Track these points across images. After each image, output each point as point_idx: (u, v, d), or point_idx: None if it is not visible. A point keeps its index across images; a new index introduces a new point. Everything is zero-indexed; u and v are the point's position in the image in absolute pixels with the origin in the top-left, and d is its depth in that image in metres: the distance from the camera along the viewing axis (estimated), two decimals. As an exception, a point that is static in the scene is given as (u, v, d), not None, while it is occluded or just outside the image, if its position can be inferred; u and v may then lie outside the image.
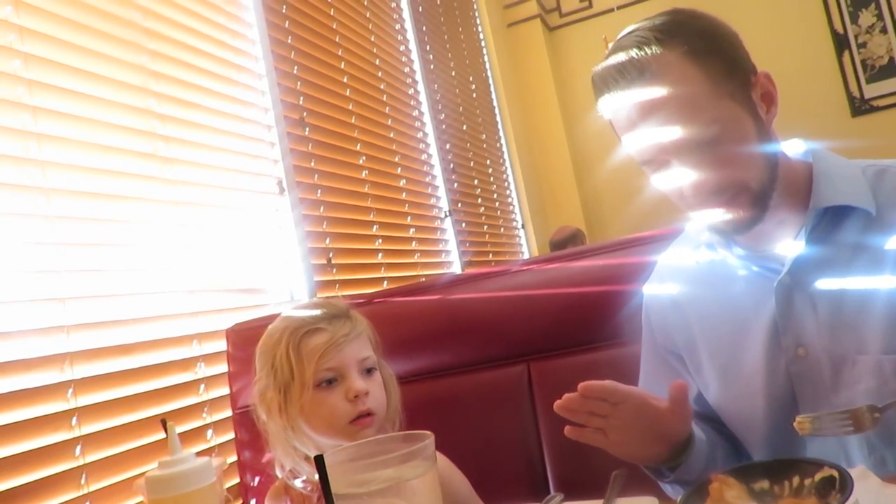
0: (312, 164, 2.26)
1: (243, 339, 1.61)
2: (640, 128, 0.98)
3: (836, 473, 0.79)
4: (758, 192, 0.97)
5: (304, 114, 2.27)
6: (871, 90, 4.31)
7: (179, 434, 0.75)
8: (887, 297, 0.94)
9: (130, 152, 1.55)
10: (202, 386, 1.61)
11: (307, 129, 2.27)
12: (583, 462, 1.36)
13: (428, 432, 0.70)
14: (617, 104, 0.99)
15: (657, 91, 0.95)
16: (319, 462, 0.57)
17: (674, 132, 0.95)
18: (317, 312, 1.20)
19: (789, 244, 1.00)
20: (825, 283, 0.98)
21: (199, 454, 0.84)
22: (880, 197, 0.98)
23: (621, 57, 0.97)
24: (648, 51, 0.95)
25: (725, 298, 1.08)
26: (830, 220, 0.98)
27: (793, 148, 1.07)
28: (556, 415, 1.43)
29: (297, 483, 1.18)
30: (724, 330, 1.08)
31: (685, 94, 0.94)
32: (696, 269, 1.11)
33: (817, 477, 0.81)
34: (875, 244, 0.96)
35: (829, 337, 0.97)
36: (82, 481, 1.27)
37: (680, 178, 0.98)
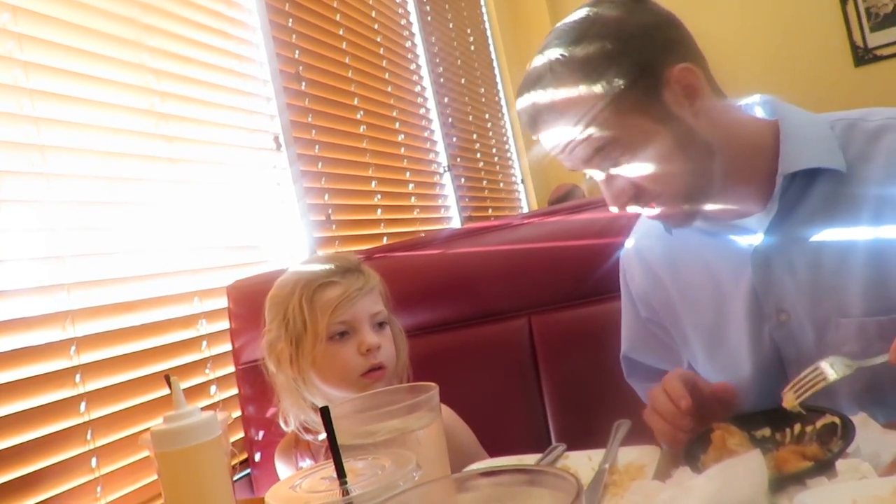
0: (310, 119, 2.23)
1: (244, 295, 1.62)
2: (554, 151, 0.99)
3: (837, 420, 0.80)
4: (686, 192, 0.95)
5: (301, 68, 2.23)
6: (874, 39, 4.23)
7: (183, 390, 0.75)
8: (865, 257, 0.93)
9: (126, 108, 1.53)
10: (204, 342, 1.61)
11: (303, 83, 2.23)
12: (583, 413, 1.38)
13: (432, 384, 0.70)
14: (528, 124, 1.00)
15: (554, 111, 0.94)
16: (325, 414, 0.58)
17: (579, 155, 0.95)
18: (330, 266, 1.20)
19: (760, 210, 0.98)
20: (801, 247, 0.96)
21: (203, 410, 0.85)
22: (850, 152, 0.95)
23: (529, 72, 0.97)
24: (550, 58, 0.94)
25: (703, 270, 1.06)
26: (801, 183, 0.96)
27: (763, 109, 1.04)
28: (557, 367, 1.45)
29: (310, 437, 1.20)
30: (704, 302, 1.07)
31: (580, 119, 0.93)
32: (671, 242, 1.10)
33: (819, 424, 0.82)
34: (848, 202, 0.94)
35: (810, 301, 0.96)
36: (88, 437, 1.28)
37: (601, 188, 0.99)
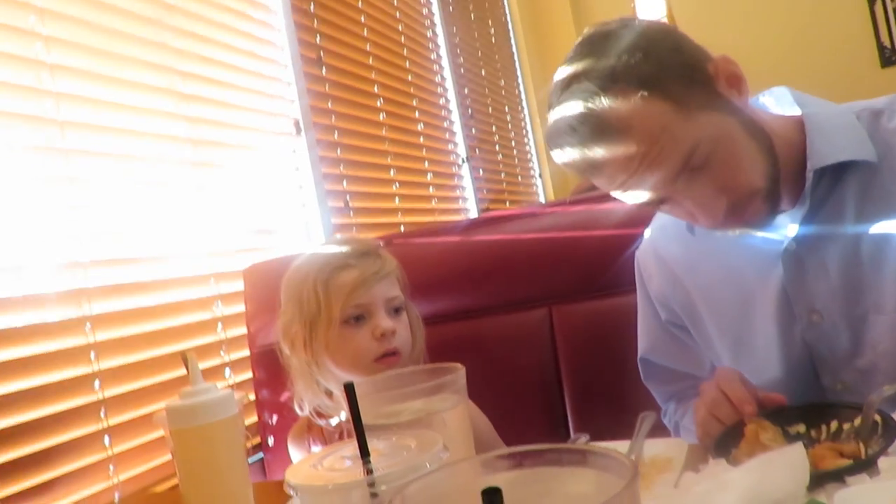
0: (329, 104, 2.21)
1: (260, 279, 1.60)
2: (625, 184, 0.88)
3: (878, 418, 0.77)
4: (769, 187, 0.89)
5: (322, 53, 2.21)
6: (902, 40, 4.16)
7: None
8: None
9: (146, 87, 1.51)
10: (220, 325, 1.60)
11: (324, 68, 2.21)
12: (603, 406, 1.35)
13: (458, 364, 0.68)
14: (587, 169, 0.90)
15: (627, 147, 0.84)
16: (350, 391, 0.55)
17: (663, 177, 0.86)
18: (346, 249, 1.18)
19: (789, 207, 0.94)
20: (834, 244, 0.92)
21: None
22: (880, 142, 0.90)
23: (571, 121, 0.86)
24: (598, 106, 0.84)
25: (727, 271, 1.02)
26: (831, 177, 0.91)
27: (779, 102, 0.99)
28: (577, 359, 1.42)
29: (323, 421, 1.18)
30: (729, 304, 1.02)
31: (657, 133, 0.84)
32: (690, 242, 1.04)
33: (857, 421, 0.79)
34: (882, 194, 0.89)
35: (844, 299, 0.92)
36: (101, 415, 1.27)
37: (687, 210, 0.90)
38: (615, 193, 0.93)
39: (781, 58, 4.03)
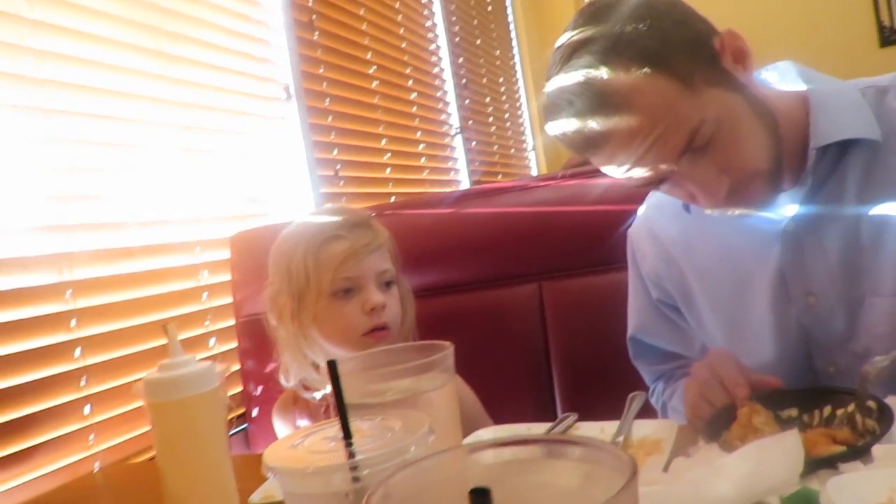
0: (321, 71, 2.16)
1: (247, 247, 1.57)
2: (625, 164, 0.85)
3: (873, 404, 0.75)
4: (772, 167, 0.86)
5: (314, 17, 2.15)
6: (902, 19, 4.13)
7: (181, 341, 0.70)
8: None
9: (132, 47, 1.46)
10: (205, 293, 1.57)
11: (316, 33, 2.16)
12: (592, 384, 1.34)
13: (447, 343, 0.66)
14: (586, 146, 0.86)
15: (629, 123, 0.80)
16: (332, 368, 0.53)
17: (665, 158, 0.82)
18: (337, 219, 1.15)
19: (790, 186, 0.91)
20: (835, 224, 0.89)
21: (201, 361, 0.80)
22: (884, 121, 0.88)
23: (570, 95, 0.83)
24: (600, 81, 0.80)
25: (723, 249, 1.00)
26: (834, 156, 0.89)
27: (783, 77, 0.96)
28: (567, 335, 1.41)
29: (308, 395, 1.16)
30: (724, 284, 1.00)
31: (661, 111, 0.80)
32: (687, 221, 1.02)
33: (851, 407, 0.78)
34: (885, 174, 0.87)
35: (842, 281, 0.90)
36: (82, 383, 1.25)
37: (687, 189, 0.87)
38: (613, 173, 0.89)
39: (781, 35, 3.98)
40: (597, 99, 0.82)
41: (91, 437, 1.25)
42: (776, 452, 0.58)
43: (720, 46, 0.85)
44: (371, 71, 2.47)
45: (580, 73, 0.82)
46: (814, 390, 0.83)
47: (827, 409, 0.80)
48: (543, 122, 0.90)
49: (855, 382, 0.85)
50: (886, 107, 0.89)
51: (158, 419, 0.69)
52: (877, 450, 0.66)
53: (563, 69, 0.84)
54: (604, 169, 0.90)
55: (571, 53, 0.84)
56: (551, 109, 0.87)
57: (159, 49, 1.53)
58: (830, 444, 0.72)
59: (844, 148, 0.88)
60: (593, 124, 0.83)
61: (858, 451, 0.67)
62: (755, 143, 0.85)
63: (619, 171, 0.88)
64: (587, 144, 0.86)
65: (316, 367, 1.17)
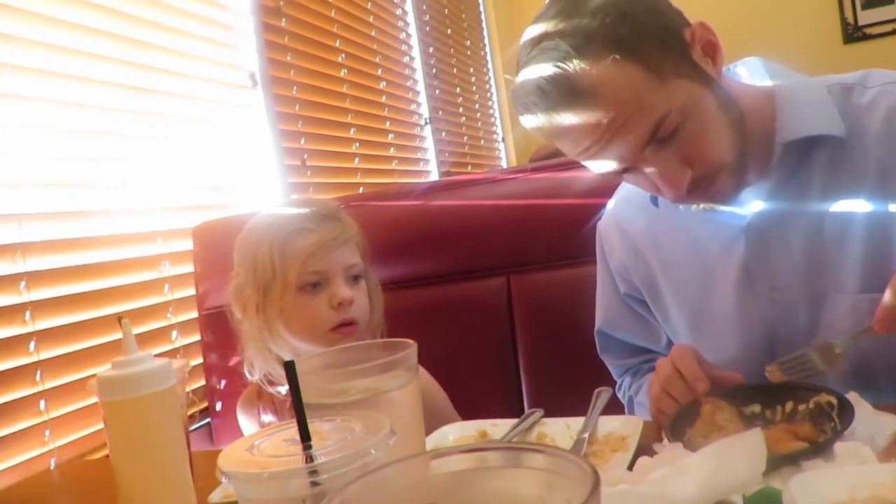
0: (289, 58, 2.12)
1: (211, 238, 1.54)
2: (591, 150, 0.85)
3: (834, 399, 0.76)
4: (736, 162, 0.87)
5: (282, 2, 2.11)
6: (865, 17, 4.19)
7: (142, 334, 0.68)
8: (865, 230, 0.87)
9: (91, 30, 1.42)
10: (167, 285, 1.54)
11: (284, 19, 2.12)
12: (558, 378, 1.34)
13: (410, 341, 0.64)
14: (554, 133, 0.86)
15: (597, 111, 0.81)
16: (290, 369, 0.51)
17: (630, 146, 0.83)
18: (306, 211, 1.13)
19: (757, 182, 0.91)
20: (799, 220, 0.90)
21: (162, 355, 0.78)
22: (849, 118, 0.88)
23: (541, 81, 0.82)
24: (570, 68, 0.80)
25: (689, 244, 1.00)
26: (799, 152, 0.89)
27: (751, 73, 0.96)
28: (534, 329, 1.40)
29: (273, 389, 1.14)
30: (689, 277, 1.01)
31: (629, 98, 0.80)
32: (654, 214, 1.02)
33: (812, 403, 0.78)
34: (848, 171, 0.88)
35: (805, 277, 0.90)
36: (37, 378, 1.21)
37: (650, 181, 0.87)
38: (580, 159, 0.89)
39: (746, 31, 4.02)
40: (565, 84, 0.81)
41: (47, 433, 1.22)
42: (739, 452, 0.58)
43: (691, 38, 0.85)
44: (340, 59, 2.43)
45: (551, 58, 0.82)
46: (776, 386, 0.83)
47: (789, 405, 0.80)
48: (513, 108, 0.90)
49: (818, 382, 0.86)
50: (851, 104, 0.90)
51: (112, 418, 0.67)
52: (838, 447, 0.66)
53: (534, 55, 0.84)
54: (570, 155, 0.89)
55: (542, 40, 0.83)
56: (521, 97, 0.87)
57: (120, 33, 1.49)
58: (793, 440, 0.72)
59: (810, 144, 0.89)
60: (561, 111, 0.83)
61: (820, 449, 0.67)
62: (720, 137, 0.85)
63: (585, 158, 0.88)
64: (554, 130, 0.86)
65: (281, 361, 1.15)
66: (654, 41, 0.82)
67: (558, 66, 0.81)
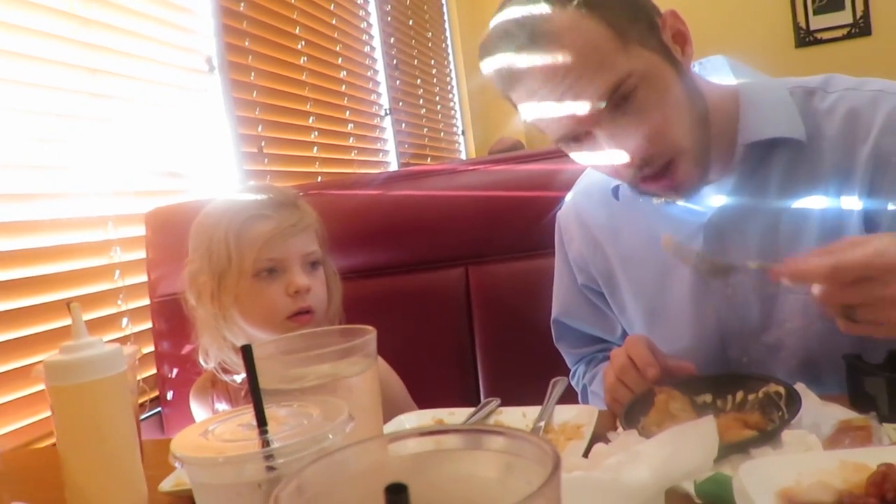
0: (247, 43, 2.09)
1: (164, 224, 1.51)
2: (545, 100, 0.85)
3: (782, 389, 0.78)
4: (697, 152, 0.87)
5: (240, -14, 2.08)
6: (817, 22, 4.30)
7: (92, 321, 0.66)
8: (818, 232, 0.90)
9: (41, 7, 1.37)
10: (117, 272, 1.50)
11: (242, 4, 2.08)
12: (514, 369, 1.35)
13: (369, 327, 0.64)
14: (513, 77, 0.87)
15: (557, 56, 0.82)
16: (247, 353, 0.50)
17: (586, 100, 0.83)
18: (263, 197, 1.11)
19: (717, 180, 0.93)
20: (755, 219, 0.92)
21: (113, 343, 0.76)
22: (809, 122, 0.91)
23: (508, 24, 0.85)
24: (536, 11, 0.83)
25: (649, 238, 1.01)
26: (760, 152, 0.91)
27: (716, 71, 0.98)
28: (492, 320, 1.41)
29: (228, 377, 1.12)
30: (647, 271, 1.02)
31: (589, 51, 0.82)
32: (615, 207, 1.03)
33: (761, 392, 0.80)
34: (806, 174, 0.90)
35: (760, 276, 0.92)
36: (-20, 365, 1.17)
37: (606, 151, 0.87)
38: (534, 115, 0.89)
39: (700, 32, 4.07)
40: (530, 26, 0.83)
41: (-11, 421, 1.18)
42: (692, 439, 0.59)
43: (662, 24, 0.87)
44: (299, 47, 2.40)
45: (521, 6, 0.85)
46: (727, 376, 0.85)
47: (739, 395, 0.82)
48: (478, 57, 0.91)
49: (767, 372, 0.89)
50: (812, 108, 0.91)
51: (59, 404, 0.65)
52: (786, 435, 0.68)
53: (507, 5, 0.86)
54: (523, 105, 0.89)
55: None
56: (487, 43, 0.89)
57: (71, 11, 1.44)
58: (742, 429, 0.74)
59: (771, 145, 0.91)
60: (523, 54, 0.84)
61: (768, 437, 0.69)
62: (681, 119, 0.87)
63: (539, 111, 0.88)
64: (513, 76, 0.87)
65: (236, 349, 1.13)
66: (623, 8, 0.84)
67: (527, 13, 0.84)
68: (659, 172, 0.88)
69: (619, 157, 0.87)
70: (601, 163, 0.92)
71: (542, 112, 0.88)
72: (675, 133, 0.86)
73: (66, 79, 1.42)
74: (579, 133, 0.88)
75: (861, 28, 4.21)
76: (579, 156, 0.92)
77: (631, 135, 0.85)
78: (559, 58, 0.82)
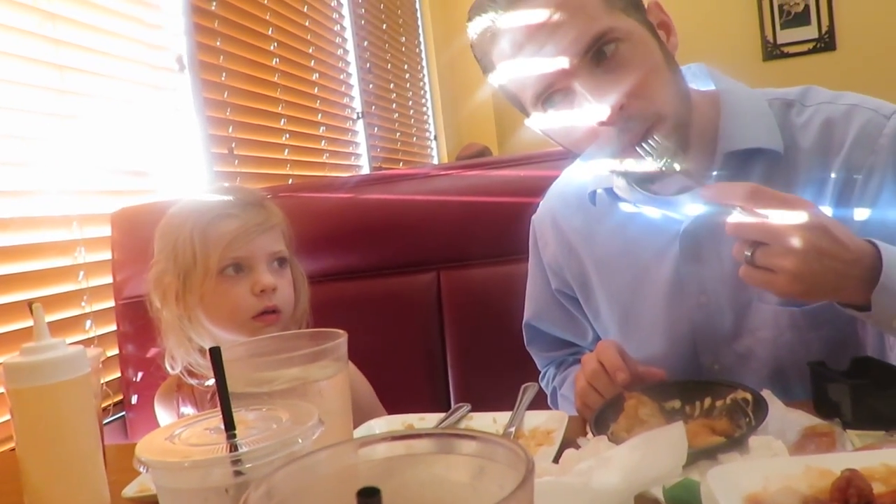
0: (218, 43, 2.06)
1: (130, 225, 1.48)
2: (527, 49, 0.86)
3: (749, 396, 0.79)
4: (675, 124, 0.87)
5: (212, -15, 2.05)
6: (783, 36, 4.39)
7: (54, 322, 0.65)
8: None
9: (4, 0, 1.34)
10: (82, 272, 1.47)
11: (214, 3, 2.06)
12: (485, 374, 1.35)
13: (340, 331, 0.63)
14: (498, 32, 0.88)
15: (541, 11, 0.84)
16: (215, 355, 0.49)
17: (568, 46, 0.84)
18: (229, 198, 1.10)
19: (695, 188, 0.92)
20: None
21: (76, 345, 0.74)
22: (786, 134, 0.92)
23: None
24: None
25: (624, 244, 1.02)
26: (738, 161, 0.92)
27: (696, 77, 0.99)
28: (463, 325, 1.41)
29: (195, 381, 1.10)
30: (622, 277, 1.03)
31: (575, 4, 0.84)
32: (590, 213, 1.04)
33: (729, 399, 0.81)
34: (782, 186, 0.89)
35: (732, 284, 0.93)
36: (-65, 367, 1.13)
37: (586, 106, 0.86)
38: (515, 70, 0.89)
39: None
40: None
41: (-56, 425, 1.15)
42: (662, 444, 0.59)
43: (648, 7, 0.89)
44: (272, 48, 2.38)
45: None
46: (696, 383, 0.86)
47: (707, 401, 0.83)
48: (467, 22, 0.93)
49: (737, 379, 0.90)
50: (790, 121, 0.93)
51: (19, 407, 0.63)
52: (752, 440, 0.69)
53: None
54: (505, 62, 0.90)
55: None
56: (475, 6, 0.90)
57: (35, 5, 1.41)
58: (710, 435, 0.75)
59: (749, 155, 0.92)
60: (509, 10, 0.86)
61: (736, 443, 0.70)
62: (663, 84, 0.87)
63: (520, 64, 0.88)
64: (497, 32, 0.88)
65: (203, 352, 1.12)
66: None
67: None
68: (638, 136, 0.86)
69: (597, 112, 0.85)
70: (580, 123, 0.89)
71: (522, 67, 0.88)
72: (655, 95, 0.86)
73: (31, 74, 1.39)
74: (559, 88, 0.87)
75: (826, 43, 4.30)
76: (558, 117, 0.91)
77: (610, 89, 0.84)
78: (543, 11, 0.84)
